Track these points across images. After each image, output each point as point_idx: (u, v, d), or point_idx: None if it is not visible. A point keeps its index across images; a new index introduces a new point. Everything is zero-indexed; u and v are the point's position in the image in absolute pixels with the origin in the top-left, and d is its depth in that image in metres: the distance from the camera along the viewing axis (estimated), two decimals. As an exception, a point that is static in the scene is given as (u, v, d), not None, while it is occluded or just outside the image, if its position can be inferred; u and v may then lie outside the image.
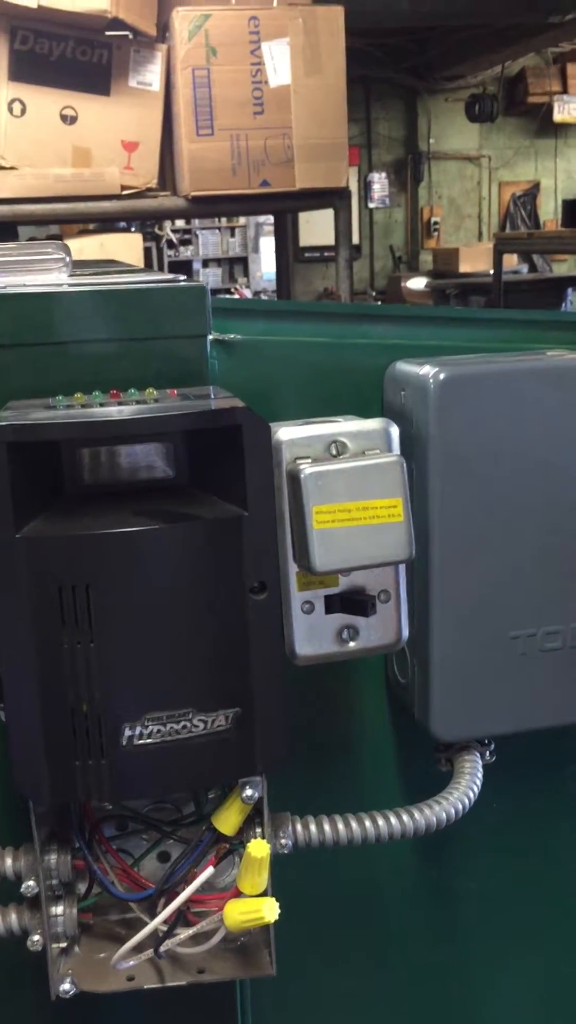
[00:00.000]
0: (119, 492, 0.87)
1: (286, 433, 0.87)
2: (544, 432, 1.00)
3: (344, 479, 0.84)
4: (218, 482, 0.85)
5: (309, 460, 0.86)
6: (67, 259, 1.15)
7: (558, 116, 9.39)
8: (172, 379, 0.96)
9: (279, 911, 0.87)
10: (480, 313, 1.29)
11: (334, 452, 0.87)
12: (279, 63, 3.67)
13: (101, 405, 0.85)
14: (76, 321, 0.95)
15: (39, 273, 1.11)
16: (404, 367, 1.03)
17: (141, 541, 0.79)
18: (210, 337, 0.99)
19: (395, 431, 0.89)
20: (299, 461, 0.85)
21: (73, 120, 3.66)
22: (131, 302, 0.97)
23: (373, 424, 0.88)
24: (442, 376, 0.97)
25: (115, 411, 0.82)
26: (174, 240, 10.00)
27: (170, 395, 0.89)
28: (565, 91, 9.39)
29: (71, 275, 1.12)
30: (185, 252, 10.17)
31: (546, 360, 1.05)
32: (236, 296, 9.51)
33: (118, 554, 0.79)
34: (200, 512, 0.83)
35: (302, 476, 0.83)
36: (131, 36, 3.65)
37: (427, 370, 0.98)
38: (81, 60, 3.64)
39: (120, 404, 0.85)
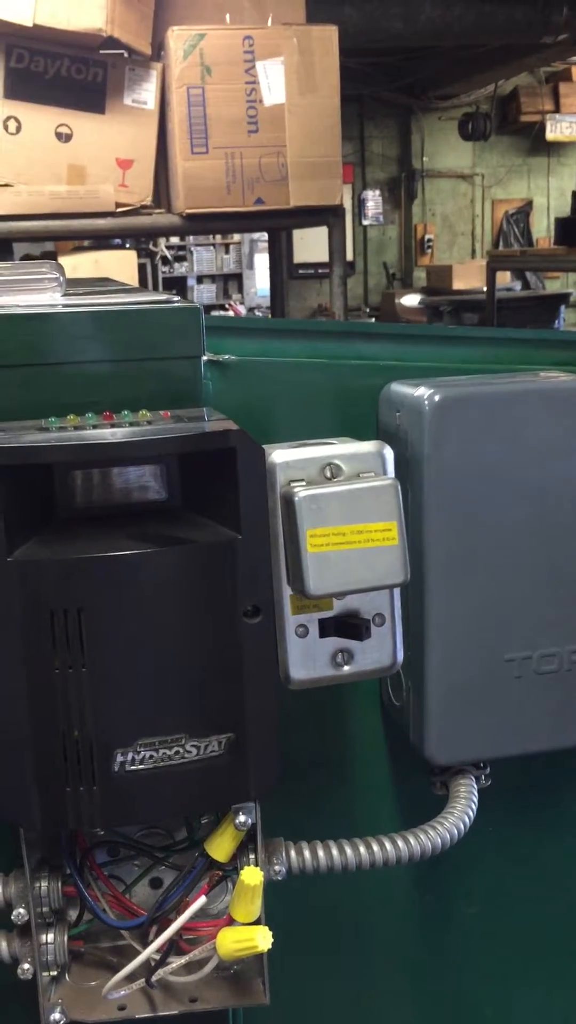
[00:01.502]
0: (112, 515, 0.86)
1: (280, 455, 0.86)
2: (539, 454, 1.00)
3: (338, 502, 0.83)
4: (212, 505, 0.84)
5: (303, 483, 0.85)
6: (61, 279, 1.14)
7: (551, 135, 9.46)
8: (166, 400, 0.96)
9: (273, 939, 0.86)
10: (474, 332, 1.29)
11: (328, 475, 0.86)
12: (273, 82, 3.69)
13: (94, 427, 0.85)
14: (69, 342, 0.95)
15: (33, 293, 1.11)
16: (399, 388, 1.03)
17: (134, 565, 0.78)
18: (204, 358, 0.99)
19: (389, 454, 0.89)
20: (293, 484, 0.85)
21: (68, 138, 3.67)
22: (125, 323, 0.97)
23: (368, 447, 0.88)
24: (437, 398, 0.96)
25: (108, 433, 0.81)
26: (168, 256, 10.02)
27: (163, 417, 0.88)
28: (557, 110, 9.45)
29: (65, 295, 1.12)
30: (180, 268, 10.19)
31: (541, 382, 1.04)
32: (231, 312, 9.53)
33: (111, 578, 0.78)
34: (194, 535, 0.82)
35: (296, 499, 0.82)
36: (126, 55, 3.67)
37: (422, 392, 0.97)
38: (76, 78, 3.66)
39: (113, 426, 0.85)
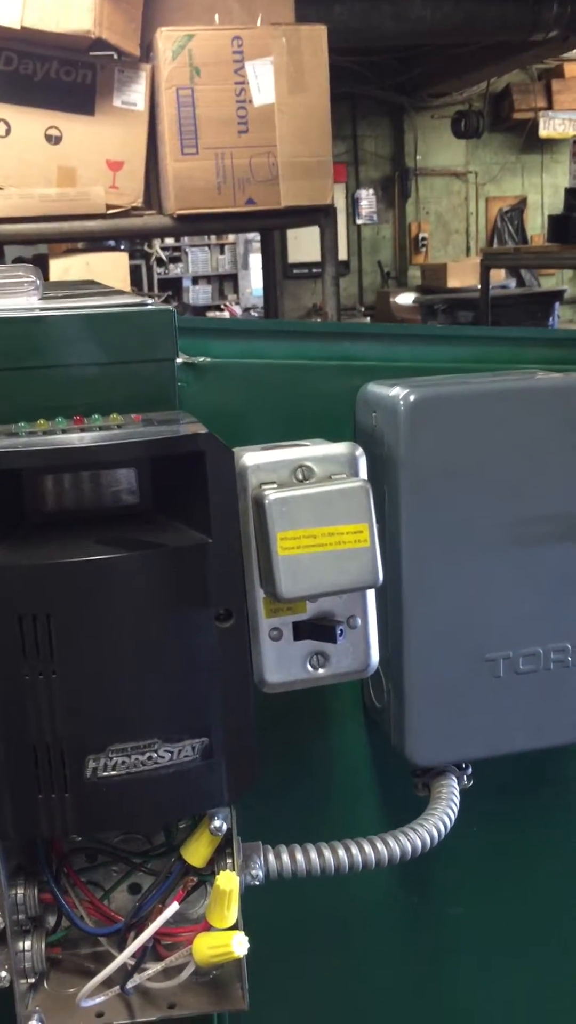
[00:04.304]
0: (83, 519, 0.86)
1: (251, 458, 0.86)
2: (516, 453, 0.99)
3: (309, 504, 0.83)
4: (183, 508, 0.84)
5: (274, 485, 0.85)
6: (38, 282, 1.14)
7: (544, 132, 9.44)
8: (140, 403, 0.95)
9: (251, 944, 0.85)
10: (461, 331, 1.28)
11: (300, 477, 0.86)
12: (263, 82, 3.68)
13: (63, 432, 0.84)
14: (41, 346, 0.94)
15: (8, 297, 1.11)
16: (375, 389, 1.02)
17: (104, 570, 0.78)
18: (178, 361, 0.98)
19: (361, 455, 0.88)
20: (264, 486, 0.84)
21: (58, 140, 3.67)
22: (97, 326, 0.96)
23: (339, 448, 0.87)
24: (412, 398, 0.96)
25: (76, 438, 0.81)
26: (163, 258, 10.01)
27: (135, 420, 0.88)
28: (550, 107, 9.43)
29: (42, 298, 1.11)
30: (175, 269, 10.18)
31: (515, 381, 1.04)
32: (227, 313, 9.52)
33: (80, 583, 0.77)
34: (164, 539, 0.81)
35: (266, 502, 0.82)
36: (115, 56, 3.66)
37: (397, 392, 0.97)
38: (65, 80, 3.65)
39: (83, 431, 0.84)
